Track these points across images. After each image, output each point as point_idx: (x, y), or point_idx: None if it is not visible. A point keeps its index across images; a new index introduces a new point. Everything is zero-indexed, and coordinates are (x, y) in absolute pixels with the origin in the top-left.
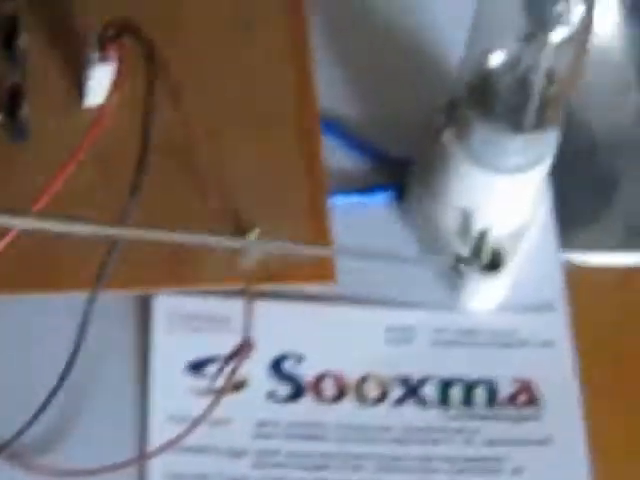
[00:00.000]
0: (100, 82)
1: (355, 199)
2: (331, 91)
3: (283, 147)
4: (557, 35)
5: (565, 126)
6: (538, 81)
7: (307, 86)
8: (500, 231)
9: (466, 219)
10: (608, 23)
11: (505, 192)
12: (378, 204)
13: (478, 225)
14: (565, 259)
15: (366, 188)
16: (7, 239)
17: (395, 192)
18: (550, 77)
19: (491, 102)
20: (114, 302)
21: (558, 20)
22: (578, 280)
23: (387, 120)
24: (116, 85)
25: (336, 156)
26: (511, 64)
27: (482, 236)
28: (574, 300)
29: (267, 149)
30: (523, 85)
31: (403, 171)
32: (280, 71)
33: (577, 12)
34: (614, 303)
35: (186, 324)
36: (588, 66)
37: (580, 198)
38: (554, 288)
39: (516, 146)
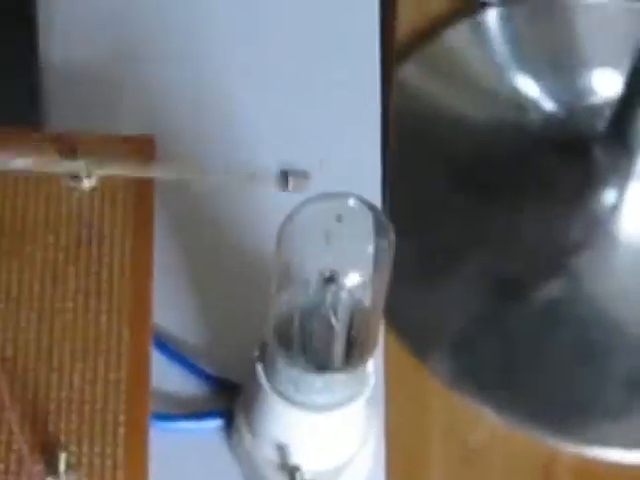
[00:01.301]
0: None
1: (184, 423)
2: (168, 313)
3: (111, 368)
4: (355, 276)
5: (592, 320)
6: (340, 322)
7: (143, 310)
8: (319, 466)
9: (282, 453)
10: None
11: (316, 429)
12: (207, 430)
13: (295, 459)
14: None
15: (196, 413)
16: None
17: (225, 419)
18: (353, 318)
19: (295, 343)
20: None
21: (359, 263)
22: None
23: (226, 345)
24: None
25: (168, 378)
26: (314, 306)
27: (294, 472)
28: None
29: (94, 369)
30: (327, 327)
31: (235, 398)
32: (119, 290)
33: (379, 253)
34: None
35: None
36: (620, 258)
37: (611, 393)
38: None
39: (322, 385)
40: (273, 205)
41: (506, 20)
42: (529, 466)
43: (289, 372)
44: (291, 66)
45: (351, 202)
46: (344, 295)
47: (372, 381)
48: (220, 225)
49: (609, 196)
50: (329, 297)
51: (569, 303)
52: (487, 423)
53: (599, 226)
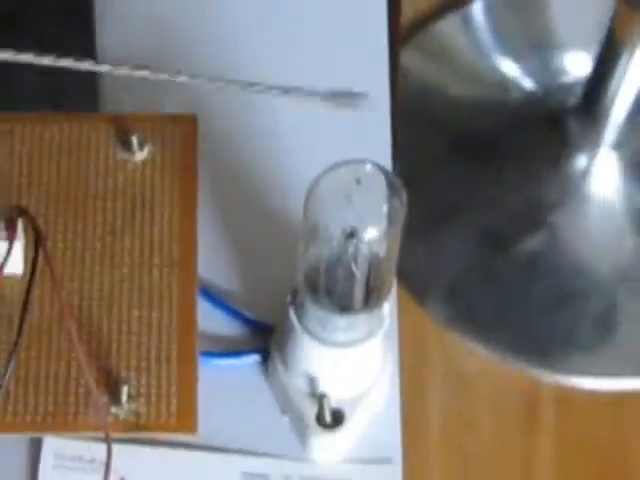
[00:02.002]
0: None
1: (227, 360)
2: (212, 266)
3: (163, 314)
4: (372, 231)
5: (569, 268)
6: (360, 270)
7: (189, 264)
8: (343, 394)
9: (311, 383)
10: (610, 180)
11: (340, 362)
12: (246, 365)
13: (322, 389)
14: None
15: (237, 351)
16: None
17: (261, 355)
18: (371, 267)
19: (322, 289)
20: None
21: (376, 219)
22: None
23: (262, 292)
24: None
25: (213, 322)
26: (337, 257)
27: (322, 399)
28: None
29: (148, 315)
30: (349, 275)
31: (270, 338)
32: (168, 247)
33: (393, 211)
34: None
35: (67, 464)
36: (592, 214)
37: (586, 330)
38: (393, 444)
39: (345, 324)
40: (300, 169)
41: (490, 10)
42: (515, 394)
43: (317, 313)
44: (313, 56)
45: (368, 167)
46: (363, 248)
47: (387, 321)
48: (256, 192)
49: (581, 162)
50: (350, 250)
51: (548, 254)
52: (478, 357)
53: (573, 188)
